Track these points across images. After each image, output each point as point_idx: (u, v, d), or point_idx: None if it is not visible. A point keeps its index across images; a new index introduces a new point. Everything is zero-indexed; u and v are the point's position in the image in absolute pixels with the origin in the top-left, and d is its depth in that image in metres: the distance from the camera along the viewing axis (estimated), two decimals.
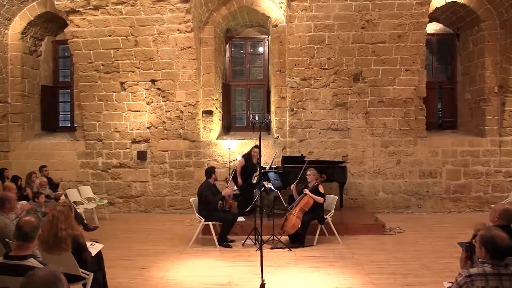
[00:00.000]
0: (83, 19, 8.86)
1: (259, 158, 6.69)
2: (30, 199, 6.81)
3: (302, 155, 8.85)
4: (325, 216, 6.87)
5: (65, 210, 3.99)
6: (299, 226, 6.61)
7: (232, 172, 8.38)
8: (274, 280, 5.10)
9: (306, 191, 6.76)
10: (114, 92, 9.52)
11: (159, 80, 9.33)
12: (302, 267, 5.70)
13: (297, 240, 6.79)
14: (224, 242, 6.78)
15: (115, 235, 7.57)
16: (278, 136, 9.68)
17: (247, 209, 7.43)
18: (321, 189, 6.81)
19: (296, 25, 8.90)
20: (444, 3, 9.25)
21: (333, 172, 8.47)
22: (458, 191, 9.52)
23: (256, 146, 8.45)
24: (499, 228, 3.04)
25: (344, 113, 9.37)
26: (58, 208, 3.99)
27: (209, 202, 6.72)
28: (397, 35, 8.87)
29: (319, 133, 9.44)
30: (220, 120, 10.18)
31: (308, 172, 7.10)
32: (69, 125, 10.91)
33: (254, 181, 8.35)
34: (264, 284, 4.38)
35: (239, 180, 8.23)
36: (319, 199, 6.72)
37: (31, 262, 2.75)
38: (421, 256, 6.11)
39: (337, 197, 7.31)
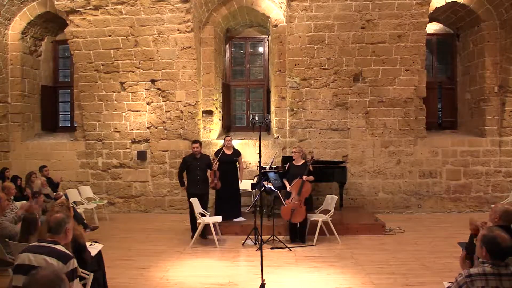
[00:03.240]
0: (83, 19, 8.86)
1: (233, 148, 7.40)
2: (30, 199, 6.81)
3: None
4: (326, 216, 6.92)
5: (63, 211, 3.97)
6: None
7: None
8: (274, 280, 5.10)
9: (305, 177, 6.82)
10: (114, 92, 9.52)
11: (159, 80, 9.33)
12: (302, 267, 5.71)
13: (299, 238, 6.89)
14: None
15: (115, 235, 7.57)
16: (278, 136, 9.68)
17: (248, 209, 7.45)
18: (310, 167, 7.05)
19: (296, 25, 8.90)
20: (444, 3, 9.25)
21: (333, 172, 8.48)
22: (458, 191, 9.52)
23: (228, 135, 8.01)
24: (499, 228, 3.03)
25: (344, 113, 9.37)
26: (55, 209, 3.97)
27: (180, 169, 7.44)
28: (397, 35, 8.87)
29: (319, 133, 9.44)
30: (220, 120, 10.18)
31: (293, 150, 7.30)
32: (69, 125, 10.92)
33: (254, 181, 8.35)
34: (264, 284, 4.38)
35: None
36: (312, 178, 6.94)
37: (59, 247, 2.95)
38: (421, 256, 6.12)
39: (337, 197, 7.31)
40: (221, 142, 9.57)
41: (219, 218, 7.01)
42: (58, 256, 2.83)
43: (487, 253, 2.71)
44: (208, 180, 7.39)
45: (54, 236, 3.03)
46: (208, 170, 7.37)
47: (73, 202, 8.07)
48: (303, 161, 7.17)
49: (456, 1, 9.26)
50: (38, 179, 8.07)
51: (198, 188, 7.25)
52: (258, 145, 5.60)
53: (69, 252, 2.96)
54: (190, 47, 9.04)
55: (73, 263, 2.86)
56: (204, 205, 7.19)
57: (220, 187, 7.45)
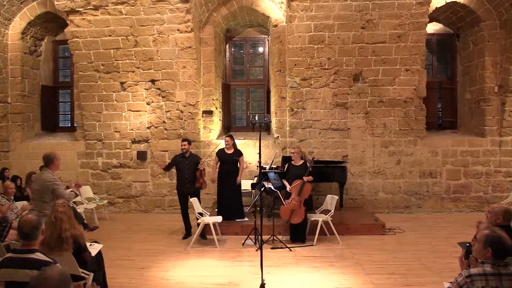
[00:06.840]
0: (83, 19, 8.85)
1: (235, 148, 7.38)
2: (30, 199, 6.80)
3: None
4: (326, 216, 6.92)
5: (67, 211, 3.99)
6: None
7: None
8: (274, 280, 5.11)
9: (306, 178, 6.83)
10: (114, 92, 9.52)
11: (159, 80, 9.33)
12: (302, 267, 5.71)
13: (298, 238, 6.88)
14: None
15: (115, 235, 7.57)
16: (278, 136, 9.68)
17: (248, 209, 7.44)
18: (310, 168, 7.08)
19: (296, 25, 8.90)
20: (444, 3, 9.25)
21: (333, 172, 8.48)
22: (458, 191, 9.52)
23: (227, 136, 7.95)
24: (500, 228, 3.03)
25: (344, 113, 9.37)
26: (59, 209, 3.97)
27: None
28: (397, 35, 8.87)
29: (319, 133, 9.44)
30: (220, 120, 10.18)
31: (292, 150, 7.31)
32: (69, 125, 10.91)
33: (254, 181, 8.34)
34: (264, 284, 4.38)
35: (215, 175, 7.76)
36: (311, 178, 6.92)
37: (38, 255, 2.79)
38: (421, 256, 6.12)
39: (337, 197, 7.32)
40: (221, 142, 9.57)
41: (219, 218, 7.02)
42: (39, 266, 2.63)
43: (492, 253, 2.70)
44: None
45: (30, 243, 2.83)
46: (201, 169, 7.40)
47: (73, 202, 8.06)
48: (302, 161, 7.19)
49: (456, 1, 9.26)
50: None
51: (187, 188, 7.34)
52: (258, 145, 5.60)
53: (49, 259, 2.79)
54: (190, 47, 9.03)
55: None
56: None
57: (206, 187, 7.57)
